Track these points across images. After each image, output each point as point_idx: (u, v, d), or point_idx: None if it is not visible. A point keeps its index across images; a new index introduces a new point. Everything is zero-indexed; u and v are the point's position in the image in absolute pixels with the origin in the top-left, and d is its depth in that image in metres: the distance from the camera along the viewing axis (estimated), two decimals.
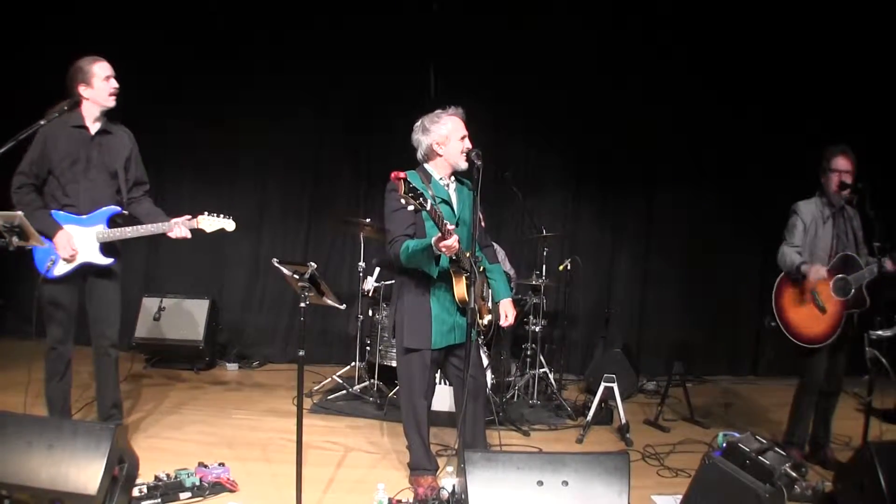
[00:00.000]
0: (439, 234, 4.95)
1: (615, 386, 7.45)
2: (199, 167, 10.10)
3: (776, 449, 5.15)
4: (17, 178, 5.69)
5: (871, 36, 9.57)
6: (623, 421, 7.36)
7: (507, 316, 5.92)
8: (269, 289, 10.44)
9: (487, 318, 5.94)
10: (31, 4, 9.74)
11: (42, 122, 5.40)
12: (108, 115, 5.90)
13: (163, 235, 5.90)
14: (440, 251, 5.04)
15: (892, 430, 7.62)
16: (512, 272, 8.69)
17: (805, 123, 9.77)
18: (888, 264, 6.12)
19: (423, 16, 9.85)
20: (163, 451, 6.11)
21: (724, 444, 5.20)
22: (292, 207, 10.48)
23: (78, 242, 5.73)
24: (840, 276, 6.39)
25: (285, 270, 4.93)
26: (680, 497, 5.22)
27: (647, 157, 10.41)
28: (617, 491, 4.47)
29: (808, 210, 6.61)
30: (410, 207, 4.68)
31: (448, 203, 5.61)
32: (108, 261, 5.87)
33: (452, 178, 5.72)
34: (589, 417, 7.50)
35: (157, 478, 5.18)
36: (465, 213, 5.69)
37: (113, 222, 5.88)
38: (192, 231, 5.91)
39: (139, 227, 5.85)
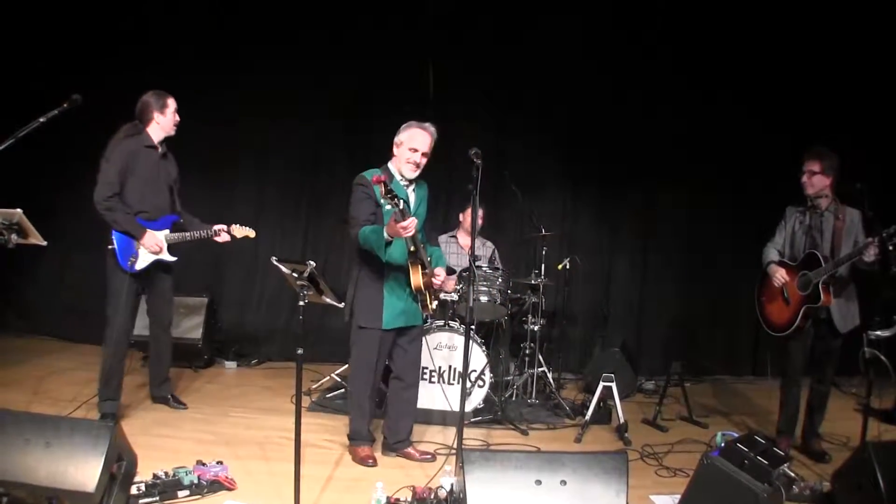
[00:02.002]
0: (392, 218, 5.49)
1: (613, 385, 7.44)
2: (198, 166, 10.05)
3: (774, 449, 5.16)
4: (107, 188, 6.55)
5: (871, 39, 9.59)
6: (621, 420, 7.37)
7: (441, 278, 6.32)
8: (268, 287, 10.45)
9: (435, 303, 6.54)
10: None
11: (41, 119, 5.44)
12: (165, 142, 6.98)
13: None
14: (394, 234, 5.60)
15: (890, 431, 7.62)
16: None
17: (803, 125, 9.76)
18: (868, 253, 6.22)
19: (421, 16, 9.84)
20: (161, 448, 6.09)
21: (723, 444, 5.23)
22: (291, 206, 10.49)
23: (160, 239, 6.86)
24: (803, 272, 6.69)
25: (284, 269, 4.93)
26: (678, 497, 5.23)
27: (645, 156, 10.38)
28: (615, 490, 4.47)
29: (791, 212, 7.04)
30: (388, 207, 5.38)
31: (405, 201, 5.93)
32: (174, 258, 7.03)
33: (412, 180, 6.19)
34: (587, 417, 7.50)
35: (155, 476, 5.17)
36: (420, 210, 6.28)
37: (175, 228, 7.04)
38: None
39: (193, 232, 7.07)
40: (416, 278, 5.95)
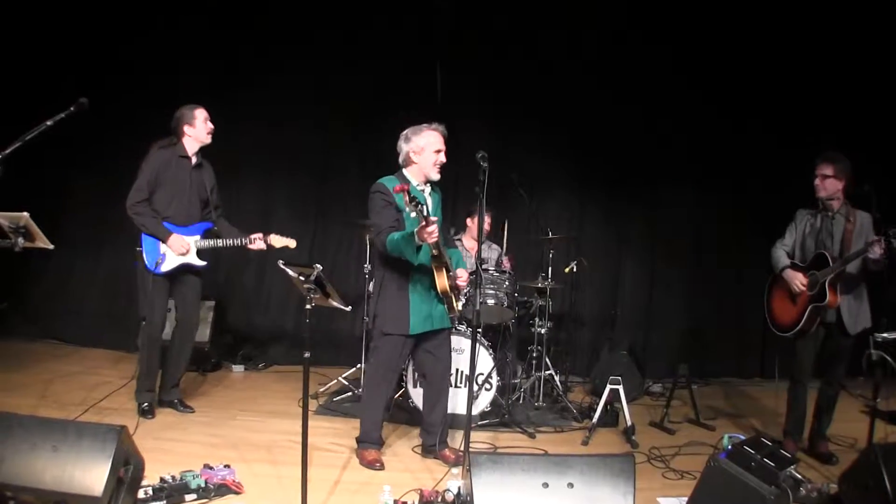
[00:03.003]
0: (421, 224, 5.41)
1: (621, 388, 7.43)
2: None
3: (781, 451, 5.15)
4: (137, 194, 6.92)
5: (871, 43, 9.59)
6: (629, 423, 7.35)
7: (458, 276, 6.33)
8: (275, 290, 10.46)
9: (460, 304, 6.64)
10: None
11: (48, 123, 5.43)
12: (201, 151, 7.27)
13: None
14: (422, 240, 5.53)
15: None
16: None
17: (809, 130, 9.78)
18: (874, 250, 6.25)
19: (430, 18, 9.85)
20: (168, 452, 6.10)
21: (730, 446, 5.21)
22: (298, 209, 10.49)
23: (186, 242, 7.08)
24: (812, 271, 6.74)
25: (291, 272, 4.94)
26: (685, 499, 5.22)
27: (652, 159, 10.39)
28: (622, 493, 4.48)
29: (802, 215, 7.09)
30: (413, 214, 5.34)
31: (425, 205, 5.90)
32: (203, 263, 7.24)
33: (427, 184, 6.21)
34: (594, 419, 7.48)
35: (162, 479, 5.17)
36: (437, 215, 6.22)
37: (207, 235, 7.24)
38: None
39: (227, 239, 7.24)
40: (442, 281, 5.95)
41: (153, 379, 7.22)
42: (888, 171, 8.88)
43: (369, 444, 6.36)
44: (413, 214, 5.34)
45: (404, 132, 6.23)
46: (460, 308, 6.56)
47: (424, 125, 6.19)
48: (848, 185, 6.75)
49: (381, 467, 6.18)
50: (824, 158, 6.79)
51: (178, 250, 6.98)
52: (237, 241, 7.19)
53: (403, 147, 6.19)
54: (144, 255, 6.90)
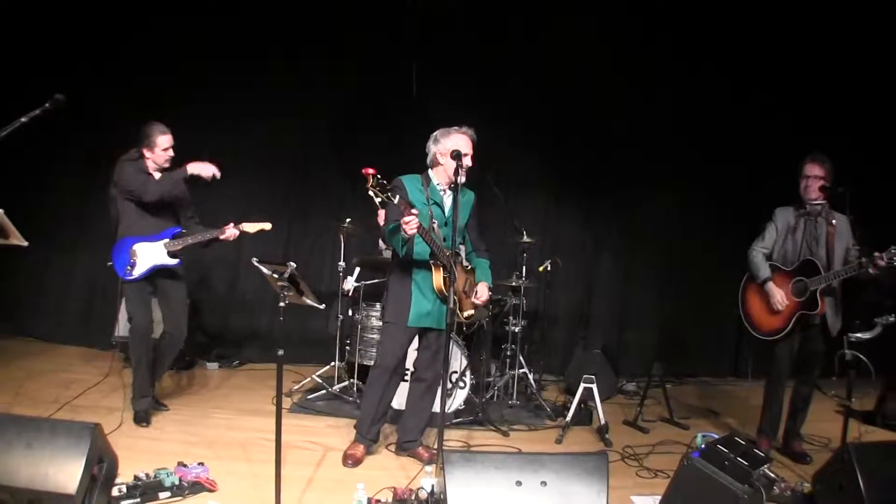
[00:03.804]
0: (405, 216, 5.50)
1: (594, 387, 7.46)
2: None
3: (755, 450, 5.19)
4: (130, 184, 6.79)
5: (865, 40, 9.65)
6: (602, 422, 7.40)
7: (478, 294, 6.50)
8: (250, 288, 10.41)
9: (468, 311, 6.45)
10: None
11: (23, 120, 5.40)
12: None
13: None
14: (403, 231, 5.58)
15: (871, 432, 7.66)
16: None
17: (788, 127, 9.85)
18: (877, 260, 6.26)
19: (406, 20, 9.84)
20: (142, 450, 6.08)
21: (703, 445, 5.23)
22: (274, 207, 10.41)
23: (149, 252, 6.90)
24: (799, 278, 6.75)
25: (265, 270, 4.94)
26: (659, 498, 5.26)
27: (628, 159, 10.42)
28: (596, 491, 4.50)
29: (783, 216, 7.05)
30: (378, 200, 5.34)
31: (440, 205, 6.17)
32: (174, 261, 7.00)
33: (451, 186, 6.10)
34: (568, 418, 7.52)
35: (136, 477, 5.16)
36: (458, 215, 6.00)
37: (175, 238, 6.99)
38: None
39: (197, 235, 7.03)
40: (437, 279, 6.03)
41: (148, 384, 7.02)
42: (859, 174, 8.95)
43: (357, 438, 6.41)
44: (378, 200, 5.34)
45: (434, 133, 6.27)
46: (466, 316, 6.50)
47: (454, 128, 6.22)
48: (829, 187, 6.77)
49: (352, 465, 6.21)
50: (813, 159, 6.81)
51: (204, 171, 6.84)
52: (208, 235, 7.02)
53: (431, 148, 6.25)
54: (115, 266, 6.82)
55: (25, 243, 5.59)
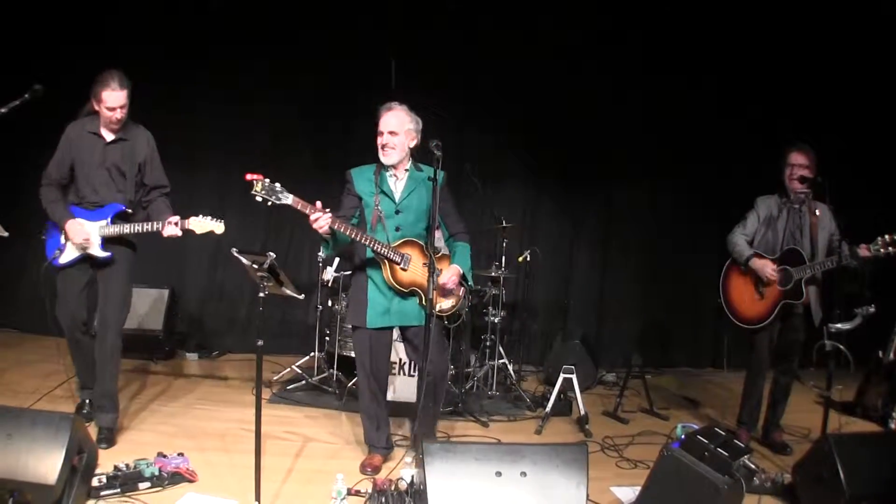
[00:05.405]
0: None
1: (574, 377, 7.48)
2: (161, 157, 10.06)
3: (735, 440, 5.20)
4: (43, 176, 6.10)
5: (847, 39, 9.71)
6: (582, 412, 7.41)
7: (442, 280, 5.86)
8: (229, 278, 10.35)
9: (443, 303, 5.99)
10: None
11: (2, 110, 5.38)
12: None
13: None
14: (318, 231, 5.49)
15: (850, 423, 7.70)
16: None
17: (764, 121, 9.92)
18: (862, 250, 6.38)
19: (384, 14, 9.81)
20: (122, 441, 6.08)
21: (683, 436, 5.24)
22: (250, 197, 10.39)
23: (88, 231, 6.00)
24: (783, 266, 6.76)
25: (244, 260, 4.92)
26: (639, 488, 5.27)
27: (607, 150, 10.46)
28: (575, 482, 4.50)
29: (765, 204, 7.03)
30: (268, 203, 5.40)
31: (387, 194, 5.87)
32: (105, 254, 6.09)
33: (407, 168, 5.97)
34: (548, 409, 7.53)
35: (116, 468, 5.14)
36: (412, 201, 5.93)
37: (118, 219, 6.14)
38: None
39: (134, 224, 6.11)
40: (386, 273, 5.71)
41: (84, 377, 6.53)
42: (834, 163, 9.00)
43: (370, 447, 6.13)
44: (268, 204, 5.43)
45: None
46: (443, 308, 5.97)
47: (384, 106, 5.95)
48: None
49: (371, 472, 5.83)
50: (799, 149, 6.82)
51: (76, 239, 5.92)
52: (148, 227, 6.05)
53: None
54: (46, 246, 6.17)
55: (6, 234, 5.59)
